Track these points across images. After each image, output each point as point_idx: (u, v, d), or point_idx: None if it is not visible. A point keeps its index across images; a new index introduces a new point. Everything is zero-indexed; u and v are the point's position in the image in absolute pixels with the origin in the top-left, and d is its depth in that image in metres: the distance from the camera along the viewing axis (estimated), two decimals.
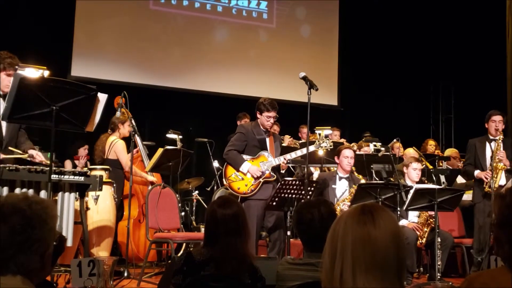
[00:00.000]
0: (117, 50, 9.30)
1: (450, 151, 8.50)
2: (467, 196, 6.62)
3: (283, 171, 5.92)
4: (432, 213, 5.97)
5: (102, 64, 9.08)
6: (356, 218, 1.59)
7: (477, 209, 6.26)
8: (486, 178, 6.17)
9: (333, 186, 6.37)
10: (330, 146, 6.01)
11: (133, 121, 6.10)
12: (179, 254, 5.52)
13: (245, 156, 5.76)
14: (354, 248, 1.55)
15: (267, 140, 5.87)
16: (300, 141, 8.67)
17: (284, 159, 5.78)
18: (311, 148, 5.81)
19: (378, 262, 1.54)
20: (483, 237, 6.14)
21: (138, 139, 6.56)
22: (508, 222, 1.85)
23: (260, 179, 5.67)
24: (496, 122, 6.29)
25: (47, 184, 3.96)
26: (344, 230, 1.59)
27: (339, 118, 10.21)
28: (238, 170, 5.70)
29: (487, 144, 6.32)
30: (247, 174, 5.66)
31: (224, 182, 5.87)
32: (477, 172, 6.31)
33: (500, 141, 6.22)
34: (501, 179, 6.18)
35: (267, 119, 5.70)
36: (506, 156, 6.19)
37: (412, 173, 6.36)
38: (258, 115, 5.78)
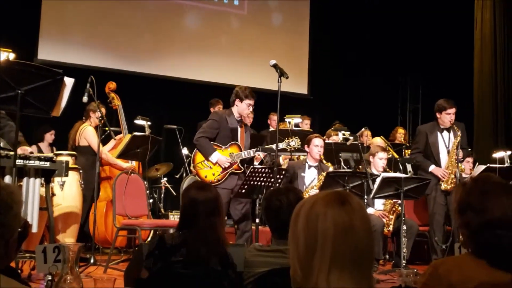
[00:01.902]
0: (85, 34, 9.14)
1: None
2: None
3: (257, 163, 5.91)
4: (397, 200, 6.06)
5: (70, 48, 8.92)
6: (337, 209, 1.54)
7: (431, 199, 6.30)
8: (443, 177, 6.22)
9: (302, 174, 6.44)
10: (298, 145, 6.03)
11: (121, 109, 6.16)
12: (147, 241, 5.50)
13: (217, 146, 5.75)
14: (336, 241, 1.51)
15: (239, 130, 5.86)
16: (271, 129, 8.69)
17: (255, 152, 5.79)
18: (280, 145, 5.81)
19: (357, 254, 1.51)
20: (441, 226, 6.23)
21: (124, 125, 6.55)
22: (465, 207, 1.89)
23: (228, 170, 5.68)
24: (451, 115, 6.25)
25: (12, 169, 3.89)
26: (324, 222, 1.53)
27: (308, 107, 10.25)
28: (207, 159, 5.68)
29: (439, 134, 6.36)
30: (216, 164, 5.66)
31: (192, 169, 5.83)
32: (432, 168, 6.29)
33: (458, 137, 6.20)
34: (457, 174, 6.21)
35: (247, 106, 5.74)
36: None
37: (378, 163, 6.44)
38: (238, 103, 5.75)
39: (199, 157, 5.75)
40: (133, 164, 6.58)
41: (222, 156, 5.66)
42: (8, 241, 1.70)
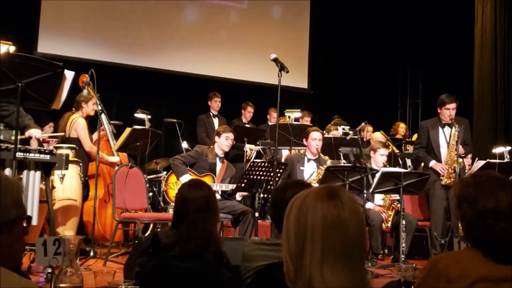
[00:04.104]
0: (85, 27, 9.12)
1: None
2: None
3: (240, 198, 6.19)
4: (396, 197, 6.07)
5: (69, 41, 8.90)
6: (326, 203, 1.55)
7: (432, 195, 6.31)
8: (443, 172, 6.22)
9: (301, 168, 6.45)
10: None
11: (97, 101, 6.06)
12: (146, 234, 5.52)
13: (192, 172, 6.03)
14: (325, 234, 1.52)
15: (219, 165, 6.19)
16: (270, 124, 8.69)
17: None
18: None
19: (348, 247, 1.52)
20: (441, 221, 6.24)
21: (104, 118, 6.42)
22: (462, 200, 1.92)
23: None
24: (450, 110, 6.23)
25: (12, 162, 3.89)
26: (314, 216, 1.55)
27: (308, 101, 10.24)
28: (178, 179, 5.97)
29: (440, 129, 6.35)
30: None
31: (162, 187, 6.05)
32: (432, 164, 6.30)
33: (457, 131, 6.21)
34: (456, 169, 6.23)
35: (225, 139, 6.19)
36: (460, 142, 6.21)
37: (379, 159, 6.44)
38: (217, 139, 6.25)
39: (173, 177, 6.07)
40: (118, 158, 6.57)
41: (191, 178, 5.76)
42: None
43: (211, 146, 6.32)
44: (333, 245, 1.51)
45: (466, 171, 6.74)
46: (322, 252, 1.51)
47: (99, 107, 5.86)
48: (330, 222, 1.53)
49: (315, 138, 6.45)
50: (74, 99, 6.32)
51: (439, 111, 6.35)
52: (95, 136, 6.60)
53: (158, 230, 6.10)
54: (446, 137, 6.30)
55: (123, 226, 6.16)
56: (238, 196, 6.09)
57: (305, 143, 6.54)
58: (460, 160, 6.19)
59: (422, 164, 7.04)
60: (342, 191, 1.60)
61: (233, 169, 6.41)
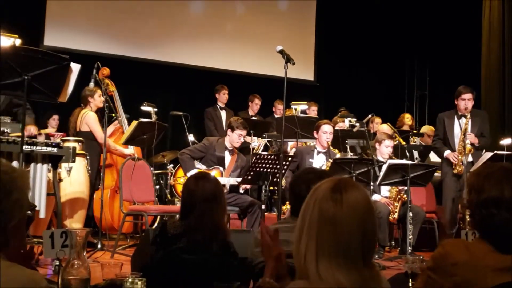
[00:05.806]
0: (91, 20, 9.11)
1: (426, 128, 8.60)
2: (438, 174, 6.70)
3: (242, 191, 6.16)
4: (403, 187, 6.05)
5: (76, 34, 8.90)
6: (326, 197, 1.54)
7: (445, 185, 6.33)
8: (454, 160, 6.22)
9: (310, 160, 6.44)
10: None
11: (116, 95, 6.35)
12: (153, 227, 5.54)
13: (200, 165, 6.04)
14: (320, 229, 1.52)
15: (228, 158, 6.16)
16: (276, 116, 8.67)
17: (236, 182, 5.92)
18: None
19: (343, 245, 1.50)
20: (451, 212, 6.24)
21: (121, 111, 6.54)
22: (471, 189, 1.93)
23: None
24: (465, 101, 6.23)
25: (19, 155, 3.90)
26: (313, 207, 1.55)
27: (315, 93, 10.22)
28: (185, 174, 5.98)
29: (456, 120, 6.35)
30: None
31: (171, 181, 6.05)
32: (446, 153, 6.30)
33: (468, 120, 6.20)
34: (469, 158, 6.23)
35: (238, 137, 6.09)
36: (475, 133, 6.22)
37: (384, 150, 6.43)
38: (230, 133, 6.13)
39: (181, 172, 6.13)
40: (132, 150, 6.59)
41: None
42: (6, 227, 1.64)
43: (221, 139, 6.28)
44: (327, 241, 1.51)
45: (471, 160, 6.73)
46: (317, 246, 1.51)
47: (117, 100, 5.94)
48: (325, 218, 1.52)
49: (326, 131, 6.46)
50: (80, 95, 6.36)
51: (456, 102, 6.36)
52: (109, 131, 6.64)
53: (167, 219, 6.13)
54: (462, 128, 6.29)
55: (132, 219, 6.18)
56: (241, 189, 6.07)
57: (315, 135, 6.54)
58: (470, 147, 6.17)
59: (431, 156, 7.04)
60: (349, 186, 1.57)
61: (243, 158, 6.37)
